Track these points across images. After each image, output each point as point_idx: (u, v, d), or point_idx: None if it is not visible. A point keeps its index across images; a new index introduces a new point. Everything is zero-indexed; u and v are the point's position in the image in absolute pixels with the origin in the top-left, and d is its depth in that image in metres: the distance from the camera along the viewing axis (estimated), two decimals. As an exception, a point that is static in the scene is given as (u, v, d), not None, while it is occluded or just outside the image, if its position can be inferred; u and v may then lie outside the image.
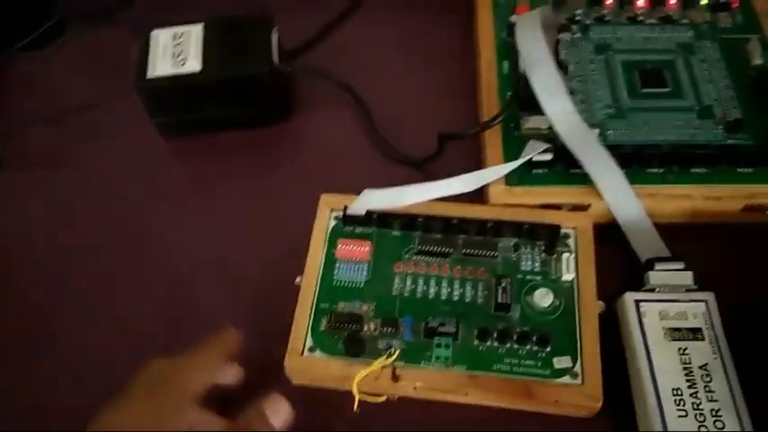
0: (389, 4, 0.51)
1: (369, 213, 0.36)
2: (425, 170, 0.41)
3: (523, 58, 0.36)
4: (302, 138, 0.45)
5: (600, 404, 0.30)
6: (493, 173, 0.35)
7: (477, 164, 0.39)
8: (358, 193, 0.37)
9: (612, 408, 0.31)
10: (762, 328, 0.31)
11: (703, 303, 0.33)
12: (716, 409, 0.30)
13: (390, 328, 0.33)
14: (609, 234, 0.36)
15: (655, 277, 0.34)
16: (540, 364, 0.32)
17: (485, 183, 0.36)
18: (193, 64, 0.42)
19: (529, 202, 0.37)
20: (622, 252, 0.36)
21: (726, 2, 0.44)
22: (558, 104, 0.36)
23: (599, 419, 0.32)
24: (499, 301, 0.33)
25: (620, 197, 0.36)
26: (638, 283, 0.34)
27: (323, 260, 0.35)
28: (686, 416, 0.30)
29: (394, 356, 0.32)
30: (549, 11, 0.39)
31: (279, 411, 0.29)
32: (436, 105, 0.45)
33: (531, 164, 0.37)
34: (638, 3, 0.45)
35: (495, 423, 0.32)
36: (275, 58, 0.43)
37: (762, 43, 0.42)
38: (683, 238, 0.36)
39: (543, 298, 0.33)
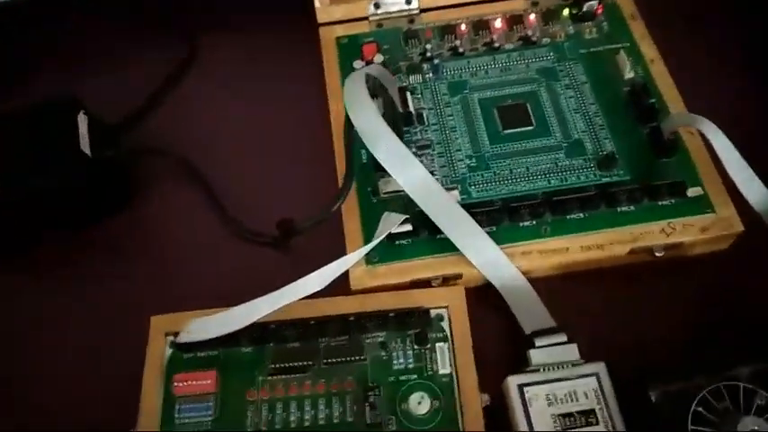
0: (229, 57, 0.47)
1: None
2: (285, 247, 0.38)
3: (359, 131, 0.32)
4: (141, 230, 0.40)
5: None
6: (346, 262, 0.32)
7: (340, 232, 0.36)
8: (211, 291, 0.33)
9: None
10: (653, 412, 0.28)
11: (594, 378, 0.30)
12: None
13: (247, 479, 0.29)
14: (483, 294, 0.34)
15: (537, 356, 0.31)
16: (423, 488, 0.28)
17: (338, 274, 0.32)
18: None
19: (394, 281, 0.33)
20: (502, 312, 0.33)
21: (589, 11, 0.42)
22: (409, 174, 0.33)
23: None
24: (369, 421, 0.29)
25: (492, 265, 0.33)
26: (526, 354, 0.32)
27: (160, 403, 0.31)
28: None
29: None
30: (380, 67, 0.36)
31: None
32: (293, 168, 0.41)
33: (392, 236, 0.34)
34: (495, 25, 0.42)
35: None
36: (87, 149, 0.38)
37: (630, 52, 0.40)
38: (564, 292, 0.34)
39: (419, 404, 0.30)
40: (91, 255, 0.39)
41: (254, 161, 0.41)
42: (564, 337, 0.31)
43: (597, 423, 0.29)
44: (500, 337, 0.33)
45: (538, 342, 0.31)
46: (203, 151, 0.41)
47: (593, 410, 0.29)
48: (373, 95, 0.35)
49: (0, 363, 0.35)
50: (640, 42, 0.40)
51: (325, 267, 0.31)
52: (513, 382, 0.30)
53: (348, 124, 0.33)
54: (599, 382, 0.30)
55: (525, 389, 0.30)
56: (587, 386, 0.30)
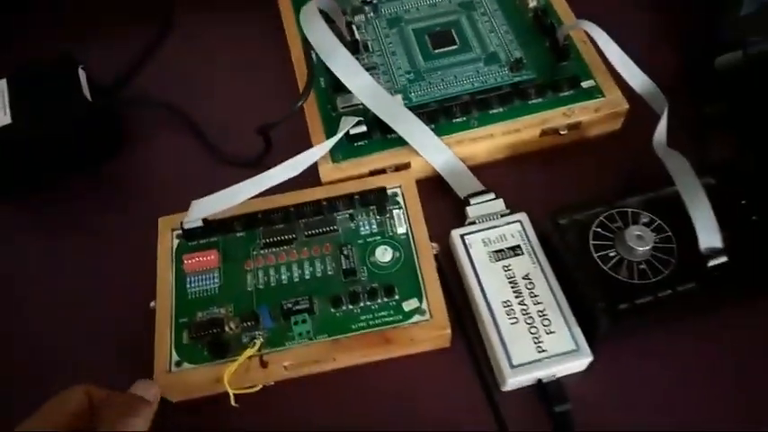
0: (201, 20, 0.54)
1: (209, 223, 0.39)
2: (263, 166, 0.43)
3: (316, 48, 0.40)
4: (135, 168, 0.46)
5: (448, 330, 0.35)
6: (313, 154, 0.39)
7: (309, 146, 0.42)
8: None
9: (466, 332, 0.37)
10: (561, 235, 0.37)
11: (518, 223, 0.38)
12: (541, 310, 0.35)
13: (250, 322, 0.35)
14: (435, 185, 0.42)
15: (472, 211, 0.39)
16: (392, 312, 0.36)
17: (309, 164, 0.39)
18: (1, 118, 0.43)
19: (356, 173, 0.41)
20: (449, 196, 0.41)
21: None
22: (359, 82, 0.41)
23: (456, 347, 0.37)
24: (344, 267, 0.37)
25: (432, 149, 0.41)
26: (464, 220, 0.40)
27: (173, 279, 0.38)
28: (517, 322, 0.35)
29: (257, 345, 0.34)
30: (330, 1, 0.44)
31: (148, 390, 0.31)
32: (264, 105, 0.46)
33: (351, 138, 0.42)
34: (423, -28, 0.51)
35: (368, 378, 0.36)
36: (87, 96, 0.45)
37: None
38: (497, 173, 0.42)
39: (384, 254, 0.37)
40: (94, 193, 0.45)
41: (228, 100, 0.49)
42: (492, 195, 0.39)
43: (523, 254, 0.37)
44: (443, 212, 0.41)
45: (472, 201, 0.39)
46: (185, 97, 0.49)
47: (519, 246, 0.37)
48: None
49: (24, 284, 0.42)
50: (542, -21, 0.49)
51: (297, 156, 0.39)
52: (455, 233, 0.39)
53: (306, 44, 0.40)
54: (522, 226, 0.38)
55: (465, 237, 0.38)
56: (513, 229, 0.38)
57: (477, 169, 0.42)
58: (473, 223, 0.39)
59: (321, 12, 0.42)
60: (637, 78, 0.41)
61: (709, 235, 0.34)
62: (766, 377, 0.35)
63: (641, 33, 0.49)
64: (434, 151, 0.41)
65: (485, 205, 0.39)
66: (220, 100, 0.49)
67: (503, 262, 0.37)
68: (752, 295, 0.36)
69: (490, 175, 0.42)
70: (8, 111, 0.43)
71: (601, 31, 0.42)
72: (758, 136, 0.42)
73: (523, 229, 0.38)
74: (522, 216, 0.39)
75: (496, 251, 0.37)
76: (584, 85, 0.43)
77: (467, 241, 0.38)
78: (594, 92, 0.43)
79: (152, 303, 0.37)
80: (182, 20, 0.54)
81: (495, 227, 0.38)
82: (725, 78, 0.44)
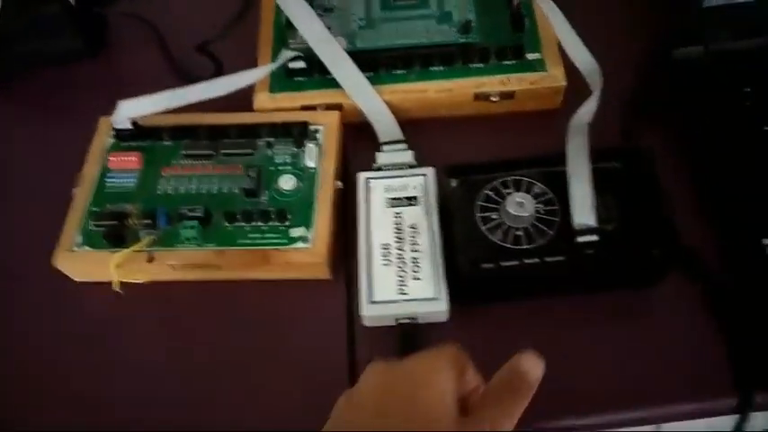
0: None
1: (141, 128, 0.41)
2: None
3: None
4: (108, 72, 0.50)
5: (323, 260, 0.36)
6: (242, 78, 0.41)
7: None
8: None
9: (348, 269, 0.38)
10: (453, 190, 0.37)
11: (423, 177, 0.39)
12: (416, 258, 0.36)
13: (148, 220, 0.38)
14: (368, 130, 0.43)
15: (381, 158, 0.40)
16: (279, 235, 0.37)
17: (239, 86, 0.41)
18: (-8, 8, 0.47)
19: (289, 105, 0.43)
20: (377, 142, 0.42)
21: None
22: (306, 22, 0.42)
23: (337, 280, 0.38)
24: (245, 187, 0.39)
25: (361, 94, 0.42)
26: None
27: (98, 172, 0.41)
28: (389, 264, 0.36)
29: (145, 241, 0.37)
30: None
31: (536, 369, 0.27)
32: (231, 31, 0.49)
33: (291, 73, 0.43)
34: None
35: (246, 293, 0.38)
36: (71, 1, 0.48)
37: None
38: (427, 130, 0.43)
39: (287, 182, 0.39)
40: (63, 89, 0.49)
41: (200, 27, 0.51)
42: (404, 146, 0.40)
43: (417, 205, 0.38)
44: (367, 156, 0.42)
45: (384, 148, 0.40)
46: (166, 17, 0.51)
47: (416, 197, 0.38)
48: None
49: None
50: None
51: (227, 77, 0.41)
52: (362, 175, 0.40)
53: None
54: (426, 180, 0.39)
55: (370, 180, 0.39)
56: (417, 182, 0.39)
57: (409, 123, 0.43)
58: (381, 170, 0.40)
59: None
60: (579, 54, 0.41)
61: (583, 212, 0.34)
62: (586, 370, 0.35)
63: (609, 18, 0.47)
64: (364, 96, 0.42)
65: (395, 154, 0.40)
66: (194, 25, 0.51)
67: (396, 209, 0.38)
68: (612, 284, 0.36)
69: (420, 130, 0.43)
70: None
71: (549, 2, 0.41)
72: (701, 131, 0.40)
73: (426, 183, 0.39)
74: (429, 171, 0.39)
75: (394, 198, 0.38)
76: (529, 57, 0.43)
77: (370, 185, 0.39)
78: (537, 65, 0.43)
79: (74, 190, 0.40)
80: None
81: (401, 176, 0.39)
82: (680, 71, 0.42)
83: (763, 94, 0.41)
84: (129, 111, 0.40)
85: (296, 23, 0.42)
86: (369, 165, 0.41)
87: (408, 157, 0.40)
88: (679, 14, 0.41)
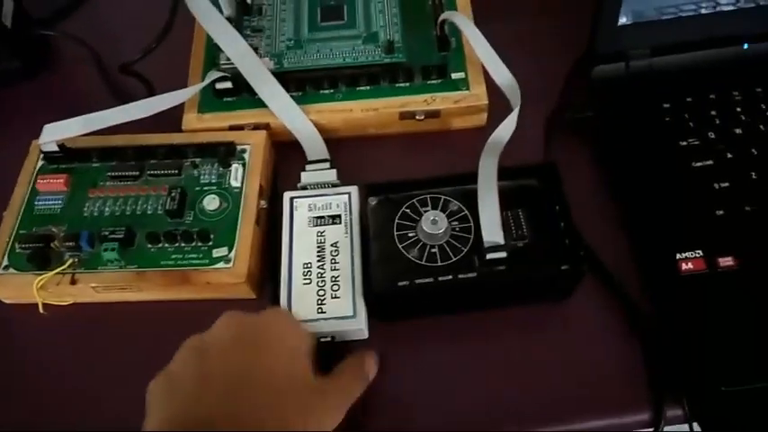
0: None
1: (69, 150, 0.41)
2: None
3: (191, 9, 0.42)
4: (47, 92, 0.50)
5: (244, 279, 0.37)
6: (166, 99, 0.41)
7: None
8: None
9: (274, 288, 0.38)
10: (372, 209, 0.37)
11: (346, 195, 0.39)
12: (336, 276, 0.36)
13: (72, 243, 0.38)
14: (297, 149, 0.43)
15: (306, 177, 0.40)
16: (201, 256, 0.38)
17: (164, 107, 0.41)
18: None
19: (217, 125, 0.43)
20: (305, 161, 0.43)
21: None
22: (231, 43, 0.42)
23: (262, 300, 0.38)
24: (167, 208, 0.39)
25: (287, 113, 0.42)
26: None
27: (27, 194, 0.40)
28: (310, 283, 0.36)
29: (67, 263, 0.37)
30: None
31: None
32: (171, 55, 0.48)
33: (219, 93, 0.44)
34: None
35: (170, 314, 0.38)
36: (7, 21, 0.48)
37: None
38: (353, 148, 0.43)
39: (211, 202, 0.39)
40: (2, 106, 0.49)
41: (132, 42, 0.50)
42: (327, 165, 0.41)
43: (340, 223, 0.38)
44: (295, 175, 0.42)
45: (308, 167, 0.41)
46: (107, 41, 0.51)
47: (339, 216, 0.39)
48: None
49: None
50: (453, -33, 0.49)
51: (152, 98, 0.41)
52: (287, 195, 0.40)
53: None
54: (349, 199, 0.39)
55: (295, 200, 0.39)
56: (340, 200, 0.39)
57: (337, 141, 0.43)
58: (306, 188, 0.40)
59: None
60: (499, 72, 0.41)
61: (491, 230, 0.34)
62: (499, 385, 0.35)
63: (535, 38, 0.48)
64: (289, 115, 0.42)
65: (319, 173, 0.41)
66: (133, 41, 0.51)
67: (319, 228, 0.38)
68: (524, 299, 0.37)
69: (347, 148, 0.43)
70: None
71: (468, 23, 0.42)
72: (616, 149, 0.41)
73: (349, 201, 0.39)
74: (353, 189, 0.40)
75: (317, 217, 0.39)
76: (454, 76, 0.43)
77: (294, 204, 0.39)
78: (461, 84, 0.43)
79: (3, 213, 0.40)
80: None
81: (324, 195, 0.40)
82: (599, 89, 0.43)
83: (680, 110, 0.42)
84: (55, 134, 0.40)
85: (221, 44, 0.43)
86: (290, 181, 0.42)
87: (332, 176, 0.40)
88: (598, 32, 0.42)
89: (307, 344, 0.31)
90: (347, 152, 0.43)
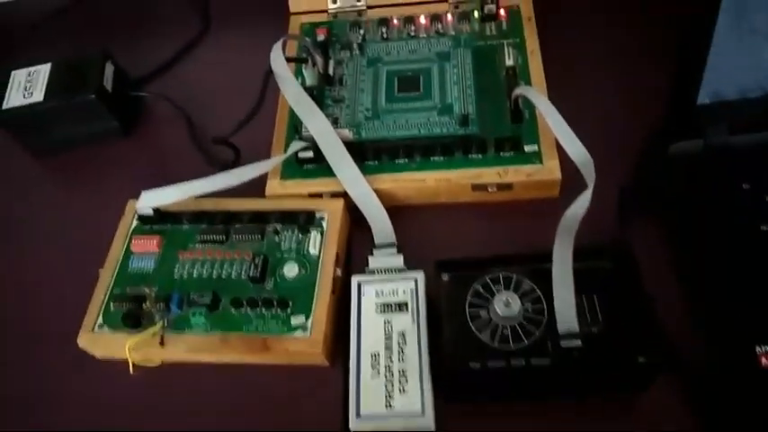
0: (231, 33, 0.59)
1: (162, 212, 0.43)
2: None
3: (279, 84, 0.43)
4: (141, 151, 0.52)
5: (320, 349, 0.37)
6: (256, 168, 0.42)
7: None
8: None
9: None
10: (443, 287, 0.37)
11: (413, 281, 0.39)
12: (404, 369, 0.36)
13: (163, 304, 0.40)
14: None
15: (374, 262, 0.40)
16: (281, 323, 0.38)
17: (251, 177, 0.42)
18: (37, 96, 0.50)
19: (298, 192, 0.44)
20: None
21: (490, 13, 0.51)
22: (311, 119, 0.44)
23: (335, 370, 0.39)
24: (251, 275, 0.40)
25: (357, 189, 0.42)
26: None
27: (122, 254, 0.43)
28: (378, 375, 0.36)
29: (158, 325, 0.39)
30: (306, 39, 0.47)
31: None
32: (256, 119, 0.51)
33: (301, 161, 0.45)
34: (420, 21, 0.52)
35: (249, 376, 0.39)
36: (108, 85, 0.51)
37: (517, 46, 0.49)
38: (425, 217, 0.44)
39: (290, 270, 0.40)
40: (98, 163, 0.52)
41: (229, 112, 0.52)
42: (395, 251, 0.41)
43: (407, 311, 0.38)
44: (368, 243, 0.43)
45: (376, 252, 0.41)
46: (196, 100, 0.54)
47: (406, 303, 0.38)
48: (306, 60, 0.47)
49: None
50: (527, 38, 0.49)
51: (242, 168, 0.42)
52: (355, 279, 0.40)
53: (266, 74, 0.44)
54: (416, 284, 0.39)
55: (362, 285, 0.39)
56: (407, 286, 0.39)
57: (407, 209, 0.44)
58: (373, 273, 0.40)
59: (303, 45, 0.46)
60: (573, 148, 0.40)
61: (566, 318, 0.33)
62: None
63: (606, 111, 0.47)
64: (361, 195, 0.42)
65: (386, 259, 0.40)
66: (223, 109, 0.53)
67: (386, 315, 0.38)
68: (600, 389, 0.35)
69: (418, 216, 0.44)
70: (43, 90, 0.50)
71: (542, 99, 0.41)
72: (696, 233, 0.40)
73: (416, 287, 0.39)
74: (419, 275, 0.39)
75: (384, 304, 0.38)
76: (527, 149, 0.43)
77: (362, 289, 0.39)
78: (534, 157, 0.43)
79: (100, 270, 0.42)
80: (215, 32, 0.59)
81: (391, 280, 0.39)
82: (676, 166, 0.42)
83: (762, 191, 0.40)
84: (152, 200, 0.42)
85: (302, 119, 0.44)
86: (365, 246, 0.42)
87: (399, 262, 0.40)
88: (676, 109, 0.40)
89: None
90: (418, 220, 0.43)
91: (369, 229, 0.43)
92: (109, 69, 0.52)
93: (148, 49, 0.59)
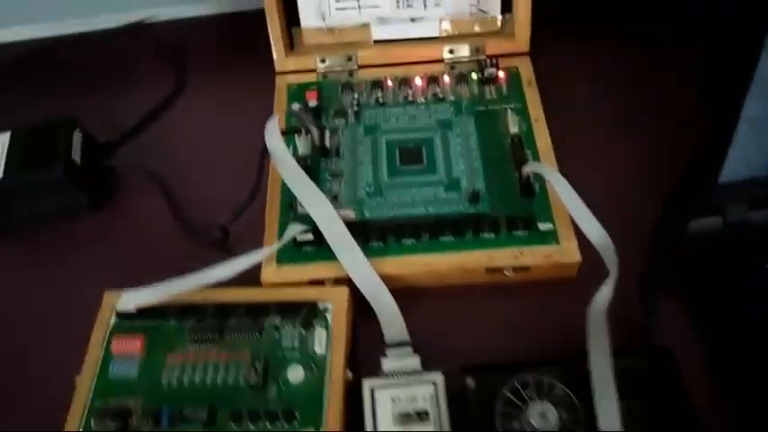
0: (207, 93, 0.55)
1: (144, 308, 0.39)
2: (227, 249, 0.43)
3: (274, 161, 0.40)
4: (114, 224, 0.47)
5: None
6: (251, 258, 0.38)
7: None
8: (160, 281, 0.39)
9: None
10: (469, 395, 0.34)
11: (432, 386, 0.35)
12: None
13: (151, 420, 0.35)
14: None
15: (387, 363, 0.36)
16: (287, 437, 0.34)
17: (242, 269, 0.38)
18: (-6, 169, 0.45)
19: (296, 279, 0.40)
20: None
21: (490, 76, 0.48)
22: (309, 197, 0.40)
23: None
24: (251, 383, 0.35)
25: (364, 278, 0.39)
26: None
27: (100, 357, 0.37)
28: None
29: (147, 448, 0.34)
30: (297, 107, 0.43)
31: None
32: (237, 187, 0.45)
33: (298, 243, 0.41)
34: (416, 83, 0.49)
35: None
36: (77, 156, 0.46)
37: (519, 112, 0.46)
38: (434, 301, 0.40)
39: (295, 374, 0.36)
40: (67, 241, 0.46)
41: (210, 180, 0.49)
42: (410, 350, 0.37)
43: (429, 420, 0.34)
44: (377, 332, 0.39)
45: (389, 353, 0.37)
46: (173, 167, 0.49)
47: (426, 411, 0.34)
48: (300, 131, 0.43)
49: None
50: (530, 104, 0.47)
51: (237, 259, 0.38)
52: (367, 384, 0.36)
53: (262, 153, 0.40)
54: (435, 389, 0.35)
55: (375, 391, 0.35)
56: (426, 392, 0.35)
57: (415, 293, 0.40)
58: (387, 376, 0.36)
59: (295, 115, 0.42)
60: (592, 229, 0.38)
61: (609, 423, 0.30)
62: None
63: (621, 177, 0.45)
64: (367, 282, 0.39)
65: (401, 360, 0.36)
66: (203, 176, 0.49)
67: (406, 427, 0.34)
68: None
69: (427, 301, 0.40)
70: (2, 165, 0.45)
71: (557, 177, 0.39)
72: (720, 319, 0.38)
73: (436, 392, 0.35)
74: (438, 377, 0.35)
75: (403, 414, 0.34)
76: (542, 227, 0.40)
77: (375, 395, 0.35)
78: (549, 237, 0.40)
79: (77, 378, 0.37)
80: (189, 92, 0.55)
81: (408, 385, 0.35)
82: (695, 244, 0.40)
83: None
84: (133, 301, 0.38)
85: (301, 199, 0.40)
86: (379, 345, 0.38)
87: (416, 363, 0.36)
88: (695, 186, 0.39)
89: None
90: (428, 304, 0.40)
91: (374, 314, 0.39)
92: (77, 138, 0.47)
93: (119, 109, 0.54)
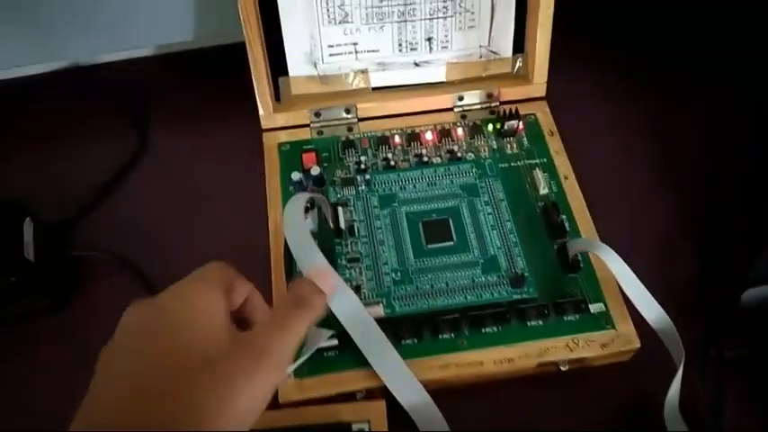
0: (178, 153, 0.47)
1: None
2: None
3: (292, 249, 0.32)
4: (79, 331, 0.38)
5: None
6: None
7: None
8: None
9: None
10: None
11: None
12: None
13: None
14: None
15: None
16: None
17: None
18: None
19: (320, 394, 0.33)
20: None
21: (510, 129, 0.43)
22: (334, 294, 0.33)
23: None
24: None
25: (405, 389, 0.33)
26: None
27: None
28: None
29: None
30: (318, 195, 0.37)
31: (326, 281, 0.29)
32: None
33: (320, 349, 0.34)
34: (426, 137, 0.43)
35: None
36: (29, 253, 0.37)
37: (546, 168, 0.42)
38: (480, 403, 0.35)
39: None
40: (30, 348, 0.38)
41: (192, 257, 0.41)
42: None
43: None
44: None
45: None
46: (146, 244, 0.41)
47: None
48: (310, 208, 0.37)
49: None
50: (555, 158, 0.42)
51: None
52: None
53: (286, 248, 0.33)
54: None
55: None
56: None
57: (459, 394, 0.34)
58: None
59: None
60: (654, 314, 0.34)
61: None
62: None
63: (673, 266, 0.40)
64: (409, 394, 0.33)
65: None
66: (182, 255, 0.41)
67: None
68: None
69: (472, 404, 0.35)
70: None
71: (611, 254, 0.34)
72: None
73: None
74: None
75: None
76: (593, 309, 0.36)
77: None
78: (603, 320, 0.35)
79: None
80: (155, 151, 0.47)
81: None
82: (750, 316, 0.37)
83: None
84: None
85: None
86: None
87: None
88: (748, 257, 0.35)
89: (220, 303, 0.25)
90: (473, 405, 0.35)
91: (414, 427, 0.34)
92: (27, 228, 0.38)
93: (73, 176, 0.45)
